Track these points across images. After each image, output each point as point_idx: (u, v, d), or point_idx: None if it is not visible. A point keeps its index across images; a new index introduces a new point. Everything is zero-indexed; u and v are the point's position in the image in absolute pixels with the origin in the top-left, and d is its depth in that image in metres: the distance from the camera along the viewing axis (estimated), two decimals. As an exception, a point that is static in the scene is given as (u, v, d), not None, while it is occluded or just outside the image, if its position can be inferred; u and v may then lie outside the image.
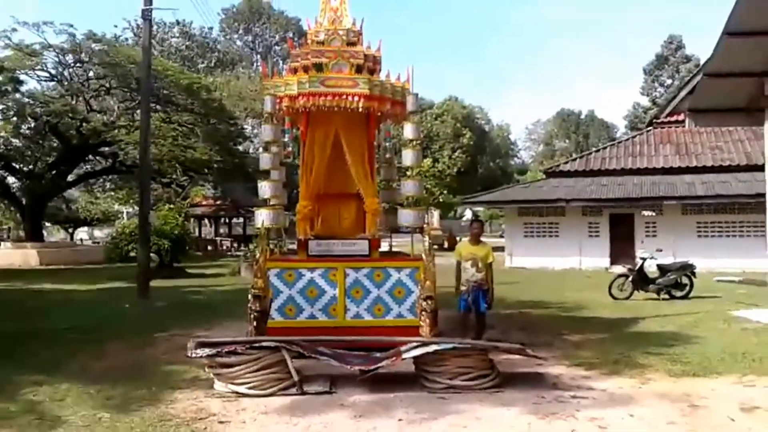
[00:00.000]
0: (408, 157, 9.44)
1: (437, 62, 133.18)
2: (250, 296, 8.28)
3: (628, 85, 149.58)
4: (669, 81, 65.83)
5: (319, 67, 9.37)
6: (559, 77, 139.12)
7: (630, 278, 15.39)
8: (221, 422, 6.08)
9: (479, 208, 41.53)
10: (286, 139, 10.14)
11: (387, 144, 10.85)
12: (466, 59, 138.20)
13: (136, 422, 6.03)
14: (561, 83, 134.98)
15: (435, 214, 47.04)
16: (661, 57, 67.79)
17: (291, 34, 68.46)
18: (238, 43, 70.79)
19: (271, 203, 9.36)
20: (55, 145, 33.28)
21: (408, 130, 9.47)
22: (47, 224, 42.47)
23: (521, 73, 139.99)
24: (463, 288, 9.46)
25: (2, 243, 35.61)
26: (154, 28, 42.14)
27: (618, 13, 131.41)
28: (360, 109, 9.22)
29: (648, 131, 29.36)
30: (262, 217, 9.08)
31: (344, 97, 9.11)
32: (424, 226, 9.35)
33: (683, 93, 26.35)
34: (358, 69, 9.42)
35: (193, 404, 6.64)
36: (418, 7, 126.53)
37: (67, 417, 6.24)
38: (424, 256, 8.56)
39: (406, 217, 9.40)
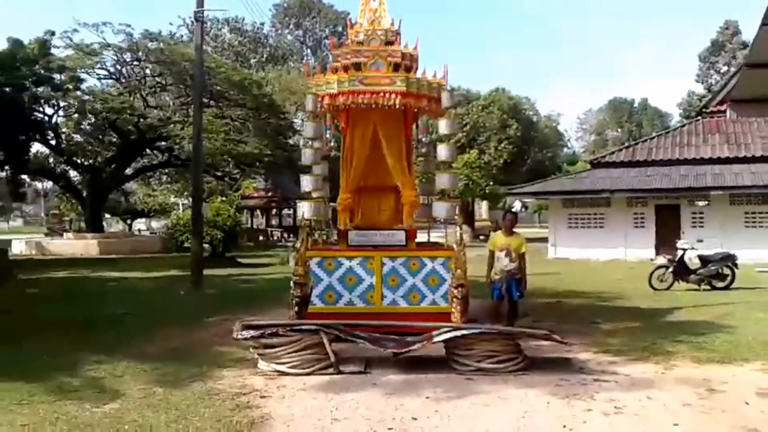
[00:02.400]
0: (443, 151, 9.87)
1: (484, 53, 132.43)
2: (291, 283, 8.85)
3: (684, 73, 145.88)
4: (725, 68, 63.95)
5: (358, 66, 9.81)
6: (612, 65, 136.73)
7: (670, 269, 15.46)
8: (263, 397, 6.65)
9: (528, 200, 41.47)
10: (327, 135, 10.64)
11: (424, 139, 11.25)
12: (515, 49, 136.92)
13: (187, 395, 6.65)
14: (614, 71, 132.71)
15: (483, 205, 47.19)
16: (717, 43, 65.98)
17: (340, 28, 69.12)
18: (289, 37, 71.82)
19: (313, 196, 9.90)
20: (114, 140, 34.64)
21: (443, 126, 9.88)
22: (106, 216, 44.06)
23: (573, 62, 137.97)
24: (496, 277, 9.86)
25: (65, 234, 37.20)
26: (207, 25, 43.25)
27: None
28: (397, 106, 9.61)
29: (697, 121, 28.96)
30: (304, 209, 9.66)
31: (382, 94, 9.51)
32: (456, 217, 9.71)
33: (733, 82, 25.89)
34: (396, 67, 9.83)
35: (238, 381, 7.24)
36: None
37: (125, 390, 6.89)
38: (455, 246, 8.95)
39: (439, 209, 9.86)
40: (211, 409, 6.20)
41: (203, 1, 17.23)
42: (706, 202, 24.27)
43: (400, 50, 10.07)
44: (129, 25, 31.15)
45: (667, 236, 22.51)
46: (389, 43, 10.20)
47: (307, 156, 9.95)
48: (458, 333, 7.66)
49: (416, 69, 10.19)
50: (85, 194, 35.19)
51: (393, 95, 9.52)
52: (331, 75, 10.09)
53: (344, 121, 10.48)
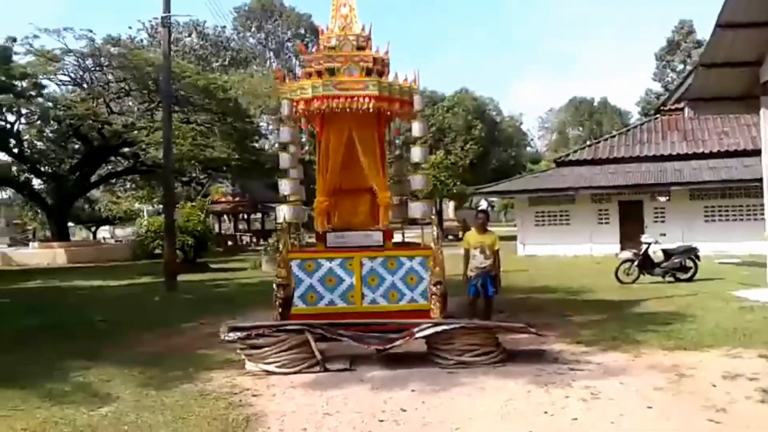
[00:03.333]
0: (416, 153, 10.20)
1: (447, 54, 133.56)
2: (274, 285, 9.04)
3: (641, 72, 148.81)
4: (681, 66, 65.60)
5: (331, 72, 10.06)
6: (572, 65, 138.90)
7: (636, 263, 15.96)
8: (254, 395, 6.84)
9: (493, 198, 42.09)
10: (303, 139, 10.86)
11: (397, 141, 11.54)
12: (477, 51, 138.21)
13: (179, 396, 6.81)
14: (573, 71, 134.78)
15: (450, 205, 47.67)
16: (673, 42, 67.55)
17: (303, 31, 69.12)
18: (251, 40, 71.47)
19: (291, 199, 10.12)
20: (77, 147, 34.30)
21: (416, 128, 10.21)
22: (70, 224, 43.51)
23: (533, 63, 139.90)
24: (471, 274, 10.18)
25: (30, 243, 36.67)
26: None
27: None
28: (371, 110, 9.91)
29: (655, 119, 29.79)
30: (283, 213, 9.86)
31: (356, 98, 9.81)
32: (432, 217, 10.01)
33: (689, 81, 26.70)
34: (368, 72, 10.12)
35: (227, 381, 7.41)
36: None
37: (117, 394, 7.01)
38: (433, 245, 9.23)
39: (415, 209, 10.20)
40: (206, 408, 6.36)
41: (170, 7, 17.29)
42: (667, 198, 25.01)
43: (372, 55, 10.37)
44: (91, 31, 30.81)
45: (630, 231, 23.16)
46: (361, 48, 10.48)
47: (284, 160, 10.16)
48: (439, 328, 7.95)
49: (388, 73, 10.48)
50: (49, 202, 34.73)
51: (366, 99, 9.82)
52: (305, 80, 10.32)
53: (319, 125, 10.72)
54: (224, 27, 64.53)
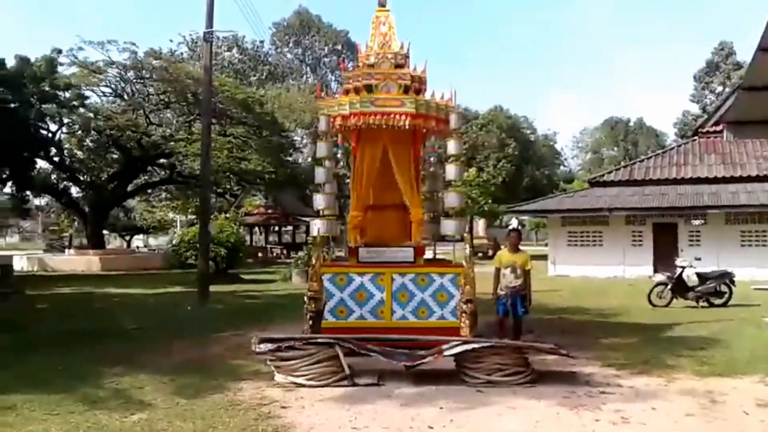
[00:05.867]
0: (451, 171, 10.24)
1: (483, 72, 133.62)
2: (306, 298, 9.13)
3: (679, 93, 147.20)
4: (719, 88, 64.92)
5: (369, 89, 10.18)
6: (608, 85, 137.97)
7: (669, 286, 15.76)
8: (283, 407, 6.91)
9: (525, 217, 41.86)
10: (338, 155, 10.99)
11: (431, 159, 11.59)
12: (513, 68, 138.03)
13: (210, 405, 6.91)
14: (610, 91, 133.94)
15: (480, 223, 47.48)
16: (712, 63, 66.94)
17: (339, 47, 69.84)
18: (289, 56, 72.43)
19: (325, 213, 10.23)
20: (116, 157, 34.99)
21: (451, 146, 10.25)
22: (105, 232, 44.32)
23: (569, 81, 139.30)
24: (501, 293, 10.17)
25: (66, 250, 37.39)
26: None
27: (669, 19, 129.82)
28: (407, 127, 9.98)
29: (693, 140, 29.44)
30: (317, 227, 9.97)
31: (392, 116, 9.88)
32: (465, 235, 10.02)
33: (728, 103, 26.40)
34: (405, 89, 10.20)
35: (257, 392, 7.50)
36: (464, 17, 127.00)
37: (149, 401, 7.14)
38: (464, 263, 9.25)
39: (448, 226, 10.23)
40: (236, 418, 6.46)
41: (213, 23, 17.64)
42: (703, 221, 24.65)
43: (410, 73, 10.45)
44: (134, 44, 31.56)
45: (664, 254, 22.89)
46: (399, 65, 10.56)
47: (319, 175, 10.27)
48: (468, 347, 7.94)
49: (425, 91, 10.54)
50: (86, 210, 35.42)
51: (403, 116, 9.88)
52: (343, 97, 10.46)
53: (355, 141, 10.85)
54: (263, 41, 65.56)
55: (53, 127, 32.11)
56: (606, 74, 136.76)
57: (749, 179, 24.84)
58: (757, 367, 8.75)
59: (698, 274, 15.84)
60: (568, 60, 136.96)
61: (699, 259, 17.29)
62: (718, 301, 15.49)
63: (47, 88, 28.42)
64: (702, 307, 15.36)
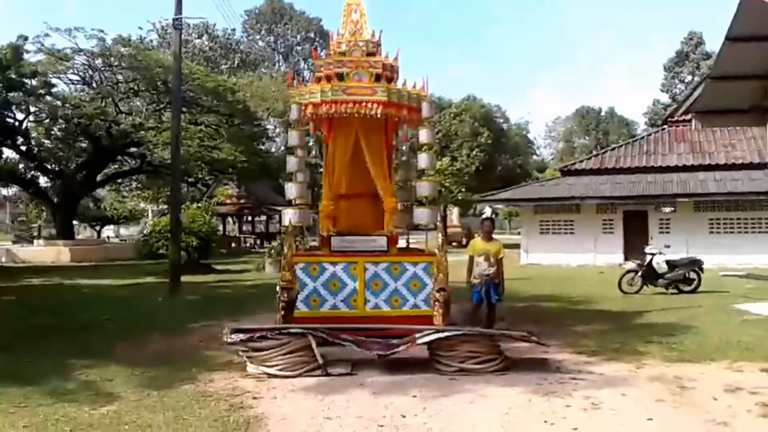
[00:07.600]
0: (423, 160, 10.19)
1: (456, 61, 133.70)
2: (278, 288, 9.06)
3: (649, 82, 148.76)
4: (689, 77, 65.60)
5: (340, 77, 10.09)
6: (580, 75, 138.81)
7: (639, 273, 15.94)
8: (255, 398, 6.86)
9: (498, 206, 42.09)
10: (310, 143, 10.90)
11: (404, 147, 11.55)
12: (486, 58, 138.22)
13: (181, 397, 6.84)
14: (582, 80, 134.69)
15: (454, 212, 47.67)
16: (681, 53, 67.58)
17: (312, 35, 69.38)
18: (261, 43, 71.83)
19: (297, 203, 10.15)
20: (85, 146, 34.32)
21: (423, 135, 10.21)
22: (75, 222, 43.64)
23: (542, 72, 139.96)
24: (475, 281, 10.23)
25: (35, 241, 36.77)
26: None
27: (639, 10, 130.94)
28: (378, 115, 9.91)
29: (662, 129, 29.75)
30: (289, 216, 9.89)
31: (364, 104, 9.82)
32: (437, 223, 10.01)
33: (697, 92, 26.69)
34: (377, 78, 10.13)
35: (229, 383, 7.44)
36: (438, 5, 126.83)
37: (118, 393, 7.05)
38: (437, 251, 9.25)
39: (421, 215, 10.21)
40: (207, 409, 6.39)
41: (182, 9, 17.37)
42: (673, 209, 24.94)
43: (382, 61, 10.37)
44: (102, 30, 30.91)
45: (635, 242, 23.14)
46: (371, 54, 10.49)
47: (291, 164, 10.20)
48: (441, 335, 7.96)
49: (397, 79, 10.49)
50: (55, 200, 34.82)
51: (375, 105, 9.82)
52: (314, 85, 10.36)
53: (327, 129, 10.76)
54: (234, 29, 64.83)
55: (20, 116, 31.49)
56: (579, 63, 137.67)
57: (717, 167, 25.16)
58: (725, 353, 8.88)
59: (668, 262, 16.04)
60: (543, 50, 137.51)
61: (668, 246, 17.51)
62: (687, 288, 15.71)
63: (13, 76, 27.78)
64: (671, 293, 15.55)
